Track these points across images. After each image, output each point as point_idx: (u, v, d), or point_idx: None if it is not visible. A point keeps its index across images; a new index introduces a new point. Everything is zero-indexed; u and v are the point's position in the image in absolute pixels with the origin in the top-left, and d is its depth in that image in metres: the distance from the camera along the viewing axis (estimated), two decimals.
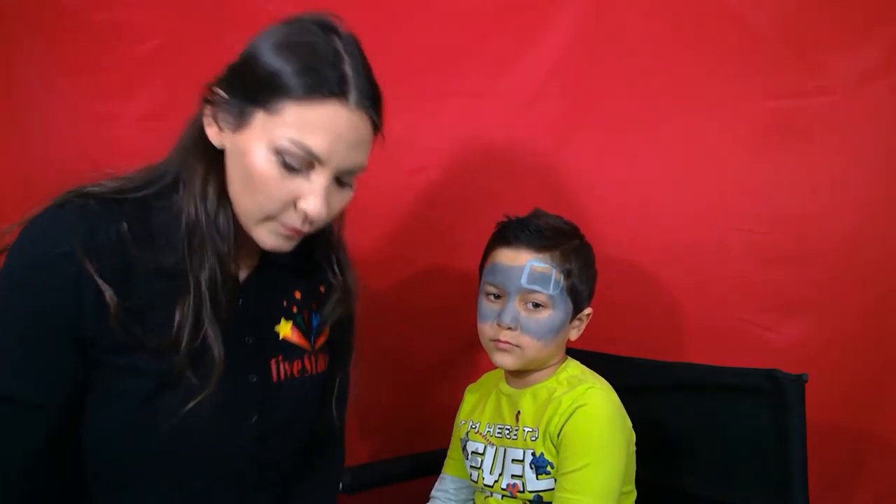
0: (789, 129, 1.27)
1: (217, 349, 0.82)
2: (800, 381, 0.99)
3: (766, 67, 1.27)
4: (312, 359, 0.97)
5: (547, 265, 1.03)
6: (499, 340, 1.03)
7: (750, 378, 1.05)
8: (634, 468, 1.07)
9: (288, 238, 0.85)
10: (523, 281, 1.02)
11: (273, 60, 0.79)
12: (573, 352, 1.17)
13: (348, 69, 0.81)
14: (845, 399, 1.27)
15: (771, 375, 1.01)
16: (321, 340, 0.98)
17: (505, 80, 1.39)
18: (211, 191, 0.84)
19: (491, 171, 1.41)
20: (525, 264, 1.03)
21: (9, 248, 0.80)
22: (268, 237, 0.84)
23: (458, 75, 1.41)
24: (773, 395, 1.01)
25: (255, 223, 0.84)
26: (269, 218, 0.83)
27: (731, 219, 1.30)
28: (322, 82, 0.79)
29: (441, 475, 1.20)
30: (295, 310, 0.96)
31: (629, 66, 1.33)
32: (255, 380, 0.89)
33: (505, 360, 1.04)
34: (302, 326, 0.96)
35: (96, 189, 0.83)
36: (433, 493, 1.19)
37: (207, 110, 0.84)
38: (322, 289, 1.00)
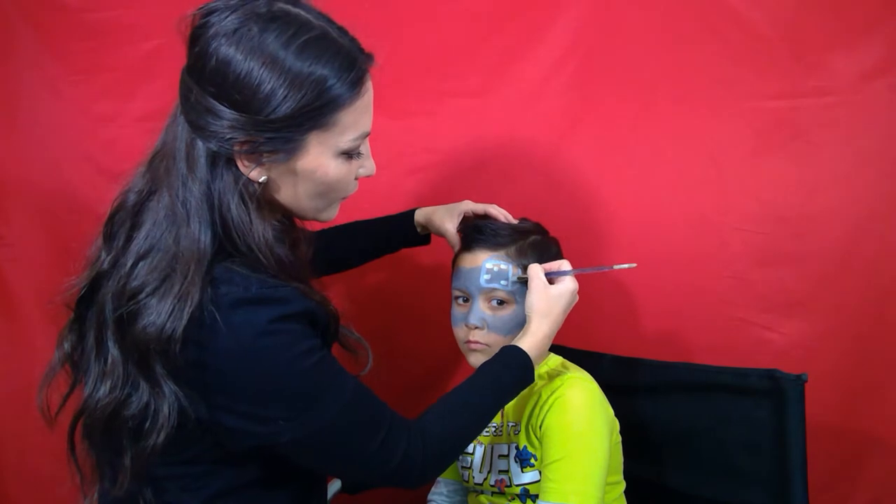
0: (789, 129, 1.27)
1: None
2: (799, 381, 0.99)
3: (766, 67, 1.26)
4: None
5: (503, 262, 1.04)
6: (470, 341, 1.05)
7: (750, 378, 1.05)
8: (621, 458, 1.07)
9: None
10: (482, 280, 1.03)
11: (305, 83, 0.76)
12: (574, 352, 1.17)
13: (347, 38, 0.81)
14: (845, 399, 1.27)
15: (771, 375, 1.01)
16: None
17: (505, 80, 1.39)
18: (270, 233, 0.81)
19: (491, 171, 1.41)
20: (481, 264, 1.04)
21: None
22: (332, 212, 0.90)
23: (458, 75, 1.41)
24: (773, 395, 1.01)
25: (322, 211, 0.88)
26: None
27: (731, 219, 1.30)
28: (356, 73, 0.79)
29: (436, 478, 1.20)
30: None
31: (629, 67, 1.33)
32: None
33: (478, 359, 1.04)
34: None
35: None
36: (430, 496, 1.20)
37: (243, 162, 0.79)
38: None
